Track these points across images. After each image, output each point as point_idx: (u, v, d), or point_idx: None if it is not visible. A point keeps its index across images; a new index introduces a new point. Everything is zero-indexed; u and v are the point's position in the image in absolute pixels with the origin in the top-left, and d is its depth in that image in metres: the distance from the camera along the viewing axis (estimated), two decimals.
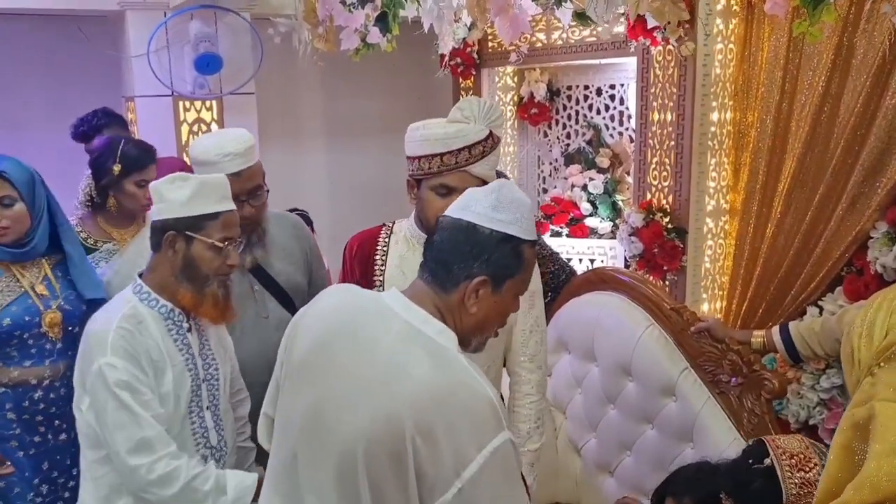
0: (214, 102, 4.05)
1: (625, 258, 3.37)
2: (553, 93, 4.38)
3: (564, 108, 4.36)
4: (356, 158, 5.52)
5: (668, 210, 3.17)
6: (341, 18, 3.54)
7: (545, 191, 4.43)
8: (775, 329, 2.09)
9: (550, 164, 4.47)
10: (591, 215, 3.97)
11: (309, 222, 3.65)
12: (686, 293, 3.16)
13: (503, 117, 1.84)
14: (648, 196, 3.27)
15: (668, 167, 3.18)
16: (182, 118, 4.01)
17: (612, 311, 2.36)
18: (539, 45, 3.95)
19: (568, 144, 4.34)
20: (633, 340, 2.25)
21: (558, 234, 3.98)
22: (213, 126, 4.09)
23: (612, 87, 4.05)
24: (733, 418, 2.10)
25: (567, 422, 2.57)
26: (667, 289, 3.24)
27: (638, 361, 2.24)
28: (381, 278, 1.89)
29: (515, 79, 4.52)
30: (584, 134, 4.23)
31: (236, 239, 1.82)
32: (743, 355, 2.08)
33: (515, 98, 4.51)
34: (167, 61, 3.78)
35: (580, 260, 3.95)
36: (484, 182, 1.83)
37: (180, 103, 3.98)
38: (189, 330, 1.81)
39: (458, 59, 4.28)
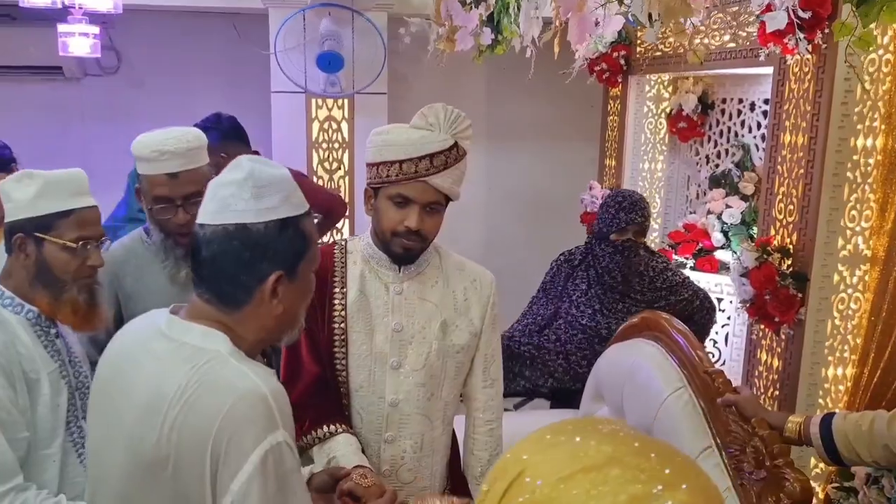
0: (346, 101, 4.07)
1: None
2: (707, 106, 3.88)
3: (718, 122, 3.85)
4: (514, 165, 5.33)
5: (791, 251, 2.65)
6: (459, 18, 3.43)
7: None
8: (815, 419, 1.61)
9: (699, 185, 3.97)
10: (723, 247, 3.45)
11: None
12: (802, 353, 2.63)
13: (471, 129, 1.62)
14: (773, 232, 2.77)
15: (794, 200, 2.66)
16: (314, 115, 4.09)
17: (647, 365, 1.97)
18: (681, 49, 3.50)
19: (717, 165, 3.83)
20: (658, 404, 1.86)
21: (682, 266, 3.48)
22: (344, 125, 4.12)
23: (766, 101, 3.49)
24: None
25: None
26: (782, 345, 2.73)
27: (659, 429, 1.85)
28: (342, 302, 1.69)
29: (670, 88, 4.07)
30: (733, 154, 3.70)
31: (97, 238, 1.65)
32: (769, 443, 1.60)
33: (668, 109, 4.07)
34: (301, 59, 3.86)
35: None
36: (447, 197, 1.64)
37: (313, 101, 4.05)
38: (56, 336, 1.68)
39: (604, 65, 3.93)
